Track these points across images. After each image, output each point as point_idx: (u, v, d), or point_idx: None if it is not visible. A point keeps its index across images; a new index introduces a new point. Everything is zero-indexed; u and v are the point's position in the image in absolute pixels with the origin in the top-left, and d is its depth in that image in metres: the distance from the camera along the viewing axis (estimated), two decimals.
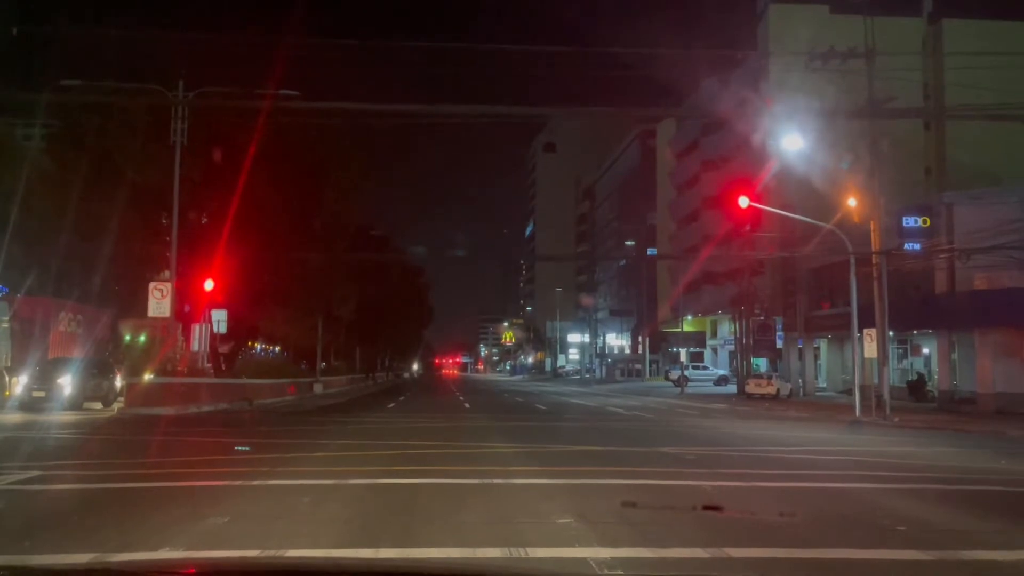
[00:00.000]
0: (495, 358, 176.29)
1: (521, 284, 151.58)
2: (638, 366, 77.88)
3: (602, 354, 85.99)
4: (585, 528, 7.24)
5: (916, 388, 34.64)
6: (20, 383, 23.32)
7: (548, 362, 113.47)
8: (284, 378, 37.05)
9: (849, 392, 29.34)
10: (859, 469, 12.49)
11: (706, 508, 8.02)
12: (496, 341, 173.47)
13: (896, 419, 23.23)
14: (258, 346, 50.56)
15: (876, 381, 25.10)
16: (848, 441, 17.82)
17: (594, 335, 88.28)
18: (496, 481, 9.91)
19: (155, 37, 24.57)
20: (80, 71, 23.12)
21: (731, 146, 52.01)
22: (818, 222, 28.03)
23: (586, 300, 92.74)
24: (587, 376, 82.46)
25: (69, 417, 20.74)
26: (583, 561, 6.09)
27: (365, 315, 49.61)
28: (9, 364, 24.02)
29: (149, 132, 25.67)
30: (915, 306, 32.90)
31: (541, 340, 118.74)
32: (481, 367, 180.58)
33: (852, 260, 25.46)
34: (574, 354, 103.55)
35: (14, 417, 20.16)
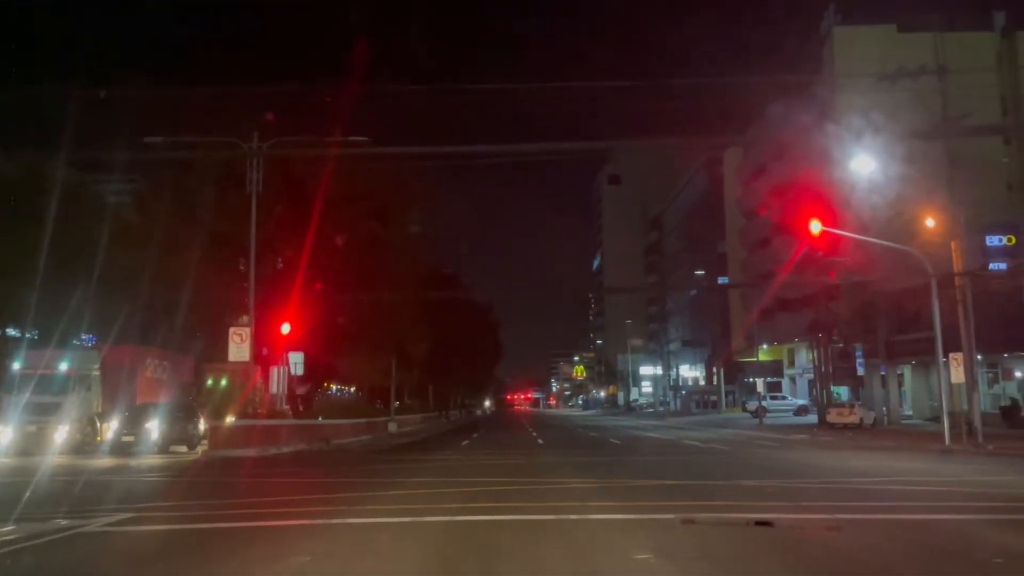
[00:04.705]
0: (567, 393, 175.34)
1: (591, 317, 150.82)
2: (714, 398, 76.28)
3: (676, 386, 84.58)
4: (665, 563, 7.14)
5: (1010, 414, 33.06)
6: (111, 428, 24.31)
7: (621, 395, 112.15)
8: (359, 418, 37.54)
9: (937, 419, 28.18)
10: (952, 500, 12.00)
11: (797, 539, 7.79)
12: (567, 376, 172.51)
13: (990, 447, 22.22)
14: (333, 387, 51.43)
15: (966, 407, 24.11)
16: (939, 471, 17.09)
17: (667, 367, 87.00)
18: (572, 517, 9.84)
19: (230, 92, 25.62)
20: (160, 128, 24.26)
21: (800, 170, 51.07)
22: (894, 244, 27.24)
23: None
24: (661, 409, 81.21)
25: (157, 460, 21.48)
26: None
27: (437, 353, 49.98)
28: (100, 410, 25.03)
29: (225, 182, 26.65)
30: (1004, 328, 31.47)
31: (613, 373, 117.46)
32: (553, 402, 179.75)
33: (933, 282, 24.60)
34: (647, 387, 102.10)
35: (105, 461, 20.98)
